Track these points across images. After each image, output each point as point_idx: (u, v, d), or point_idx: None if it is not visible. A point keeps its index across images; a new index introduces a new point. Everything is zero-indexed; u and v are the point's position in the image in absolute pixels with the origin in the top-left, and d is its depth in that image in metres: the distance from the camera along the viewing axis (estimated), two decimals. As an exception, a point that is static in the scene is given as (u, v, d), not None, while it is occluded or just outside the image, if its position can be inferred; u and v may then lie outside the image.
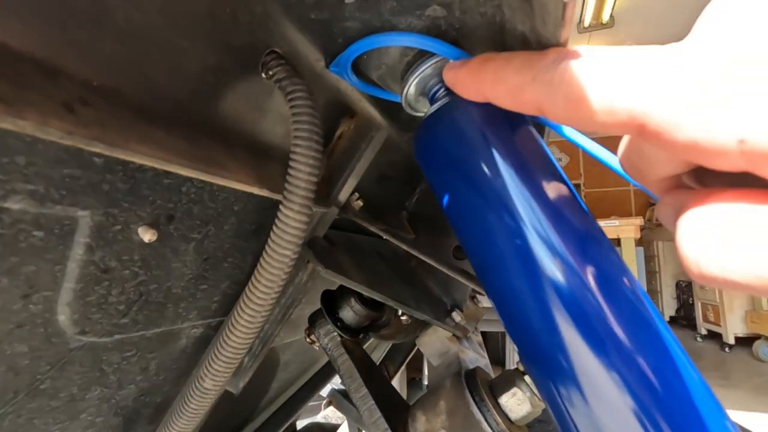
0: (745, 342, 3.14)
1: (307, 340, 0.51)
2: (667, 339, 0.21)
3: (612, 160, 0.21)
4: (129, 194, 0.24)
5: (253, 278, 0.28)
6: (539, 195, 0.23)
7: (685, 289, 4.06)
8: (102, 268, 0.25)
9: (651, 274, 4.47)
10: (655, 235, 4.42)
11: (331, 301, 0.49)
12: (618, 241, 3.40)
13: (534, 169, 0.24)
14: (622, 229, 3.38)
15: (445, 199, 0.26)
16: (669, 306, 4.31)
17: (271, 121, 0.30)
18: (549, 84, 0.17)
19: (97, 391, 0.32)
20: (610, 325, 0.21)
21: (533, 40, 0.22)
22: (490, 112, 0.26)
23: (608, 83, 0.15)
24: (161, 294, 0.31)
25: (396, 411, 0.47)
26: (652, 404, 0.20)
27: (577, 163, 5.81)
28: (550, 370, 0.22)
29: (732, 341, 3.21)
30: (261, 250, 0.38)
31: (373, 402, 0.45)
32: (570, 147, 5.81)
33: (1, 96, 0.14)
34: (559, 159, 5.91)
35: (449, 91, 0.28)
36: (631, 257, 3.31)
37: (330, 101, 0.34)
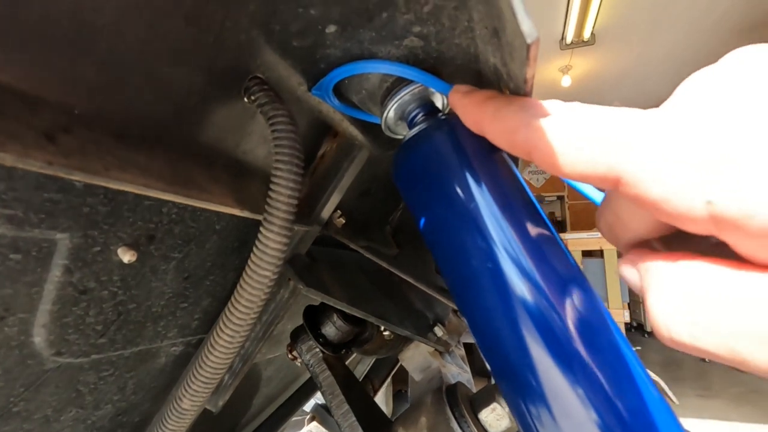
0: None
1: (289, 356, 0.51)
2: (629, 357, 0.22)
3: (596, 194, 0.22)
4: (109, 216, 0.24)
5: (233, 297, 0.28)
6: (511, 219, 0.24)
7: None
8: (80, 289, 0.25)
9: (633, 284, 4.54)
10: (637, 246, 4.49)
11: (314, 316, 0.49)
12: (601, 253, 3.46)
13: (507, 194, 0.25)
14: (604, 240, 3.45)
15: (422, 220, 0.27)
16: (651, 316, 4.37)
17: (253, 142, 0.30)
18: (539, 131, 0.18)
19: (72, 412, 0.31)
20: (576, 345, 0.22)
21: (504, 72, 0.23)
22: (467, 138, 0.27)
23: (591, 137, 0.16)
24: (140, 313, 0.31)
25: (378, 427, 0.47)
26: (616, 423, 0.21)
27: (561, 176, 5.91)
28: (520, 388, 0.23)
29: (711, 351, 3.27)
30: (243, 267, 0.39)
31: (354, 419, 0.45)
32: (554, 159, 5.91)
33: (-19, 129, 0.14)
34: (542, 172, 6.02)
35: (427, 117, 0.29)
36: (614, 268, 3.36)
37: (312, 122, 0.35)
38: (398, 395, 1.38)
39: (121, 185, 0.19)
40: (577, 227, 5.26)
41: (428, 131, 0.28)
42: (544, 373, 0.22)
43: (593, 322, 0.23)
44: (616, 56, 3.33)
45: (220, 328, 0.28)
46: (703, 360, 3.31)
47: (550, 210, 6.09)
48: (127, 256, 0.26)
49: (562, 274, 0.23)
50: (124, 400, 0.36)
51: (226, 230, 0.34)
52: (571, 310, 0.23)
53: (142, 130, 0.22)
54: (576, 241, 3.50)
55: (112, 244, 0.25)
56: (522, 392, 0.23)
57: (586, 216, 5.64)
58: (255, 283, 0.26)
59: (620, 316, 3.26)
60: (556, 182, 5.90)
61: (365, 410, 0.47)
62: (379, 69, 0.28)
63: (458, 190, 0.25)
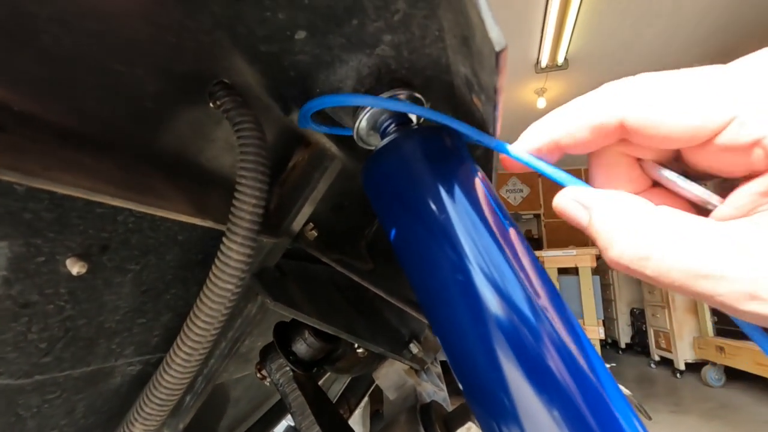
0: (695, 368, 3.28)
1: (258, 375, 0.49)
2: (603, 375, 0.22)
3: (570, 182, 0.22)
4: (55, 223, 0.22)
5: (192, 312, 0.26)
6: (482, 232, 0.24)
7: (638, 316, 4.23)
8: (21, 303, 0.23)
9: (607, 302, 4.64)
10: (610, 264, 4.61)
11: (284, 333, 0.47)
12: (576, 270, 3.52)
13: (478, 207, 0.25)
14: (579, 258, 3.51)
15: (392, 231, 0.26)
16: (625, 333, 4.46)
17: (218, 149, 0.29)
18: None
19: (10, 439, 0.28)
20: (549, 363, 0.22)
21: (475, 82, 0.23)
22: (438, 148, 0.27)
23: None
24: (91, 329, 0.28)
25: (349, 449, 0.45)
26: None
27: (537, 195, 6.05)
28: (492, 408, 0.22)
29: (683, 367, 3.34)
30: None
31: (324, 441, 0.43)
32: (530, 179, 6.06)
33: None
34: (520, 190, 6.15)
35: (399, 127, 0.29)
36: (588, 285, 3.42)
37: (283, 131, 0.34)
38: (376, 415, 1.35)
39: (63, 188, 0.17)
40: (553, 245, 5.36)
41: (399, 141, 0.27)
42: (516, 392, 0.22)
43: (566, 340, 0.22)
44: (588, 81, 3.47)
45: (178, 346, 0.26)
46: (675, 376, 3.37)
47: (527, 228, 6.20)
48: (76, 268, 0.24)
49: (534, 289, 0.23)
50: (73, 425, 0.33)
51: (189, 241, 0.32)
52: (543, 326, 0.22)
53: (92, 131, 0.20)
54: (552, 258, 3.56)
55: (59, 254, 0.23)
56: (494, 412, 0.22)
57: (562, 234, 5.75)
58: (216, 297, 0.25)
59: (595, 332, 3.30)
60: (533, 201, 6.02)
61: (337, 431, 0.46)
62: (362, 103, 0.27)
63: (429, 201, 0.25)
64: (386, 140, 0.28)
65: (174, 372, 0.27)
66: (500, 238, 0.24)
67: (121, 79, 0.20)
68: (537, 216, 6.10)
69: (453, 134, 0.27)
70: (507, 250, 0.24)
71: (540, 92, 3.62)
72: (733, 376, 3.03)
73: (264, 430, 0.74)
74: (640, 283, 4.13)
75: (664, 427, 2.29)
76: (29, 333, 0.25)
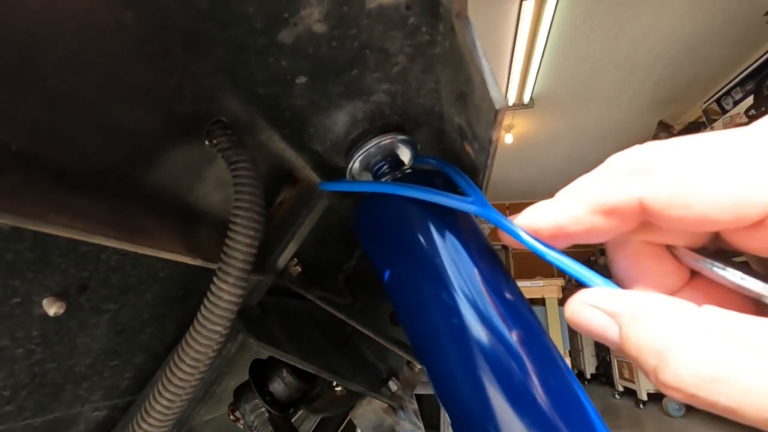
0: (656, 398, 3.37)
1: (231, 417, 0.46)
2: (592, 415, 0.22)
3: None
4: (36, 263, 0.21)
5: (176, 354, 0.25)
6: (474, 275, 0.24)
7: (602, 347, 4.33)
8: (-12, 348, 0.21)
9: (573, 332, 4.73)
10: (575, 295, 4.74)
11: (261, 373, 0.46)
12: (543, 301, 3.59)
13: (472, 251, 0.25)
14: (546, 289, 3.60)
15: (386, 273, 0.26)
16: (590, 363, 4.54)
17: (209, 187, 0.29)
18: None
19: (-44, 499, 0.26)
20: (539, 401, 0.22)
21: (469, 132, 0.24)
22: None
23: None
24: (59, 374, 0.27)
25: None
26: None
27: (505, 226, 6.21)
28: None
29: (645, 398, 3.42)
30: (184, 319, 0.35)
31: (301, 488, 0.41)
32: (499, 210, 6.23)
33: None
34: (485, 221, 6.30)
35: (392, 170, 0.30)
36: (555, 316, 3.49)
37: (273, 167, 0.34)
38: (344, 454, 1.29)
39: (58, 230, 0.17)
40: (521, 276, 5.47)
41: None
42: (506, 429, 0.22)
43: (555, 379, 0.23)
44: (551, 121, 3.67)
45: (159, 391, 0.25)
46: (638, 406, 3.44)
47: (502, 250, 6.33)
48: (53, 308, 0.23)
49: (526, 332, 0.23)
50: (27, 480, 0.30)
51: (171, 279, 0.31)
52: (533, 366, 0.23)
53: (86, 172, 0.20)
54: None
55: (35, 295, 0.22)
56: None
57: (530, 264, 5.90)
58: (204, 339, 0.24)
59: (562, 363, 3.35)
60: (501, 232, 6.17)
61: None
62: (427, 198, 0.25)
63: (422, 244, 0.25)
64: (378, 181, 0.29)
65: (154, 419, 0.25)
66: (491, 281, 0.25)
67: (120, 121, 0.20)
68: (505, 247, 6.24)
69: (444, 178, 0.28)
70: (498, 293, 0.24)
71: (507, 128, 3.79)
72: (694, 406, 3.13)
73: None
74: (603, 314, 4.24)
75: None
76: (-7, 380, 0.23)
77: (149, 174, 0.24)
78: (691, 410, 3.16)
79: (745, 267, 0.15)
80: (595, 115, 3.55)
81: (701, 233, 0.16)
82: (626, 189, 0.15)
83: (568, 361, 3.38)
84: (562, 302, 3.69)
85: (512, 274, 5.91)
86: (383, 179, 0.28)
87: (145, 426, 0.25)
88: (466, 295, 0.24)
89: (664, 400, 3.23)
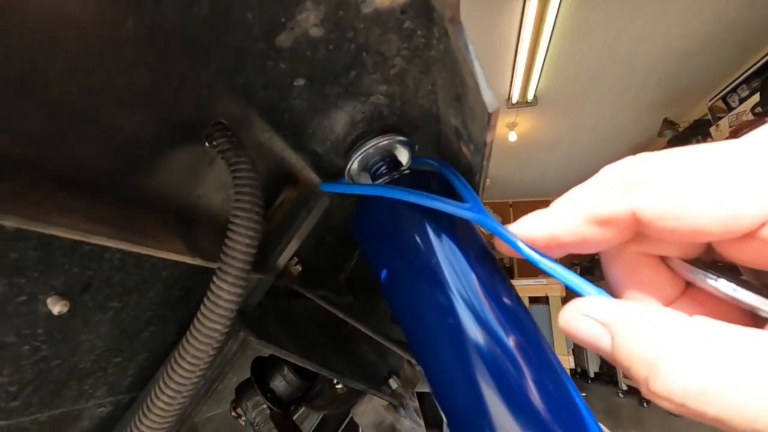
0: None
1: (233, 413, 0.47)
2: (585, 414, 0.23)
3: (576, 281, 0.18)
4: (40, 263, 0.22)
5: (177, 352, 0.26)
6: (470, 276, 0.24)
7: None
8: (-6, 345, 0.22)
9: (576, 331, 4.72)
10: (578, 294, 4.73)
11: (262, 370, 0.46)
12: (546, 299, 3.59)
13: (468, 253, 0.26)
14: (549, 287, 3.59)
15: (382, 273, 0.27)
16: (594, 362, 4.53)
17: (209, 188, 0.29)
18: None
19: (-36, 492, 0.26)
20: (534, 402, 0.22)
21: (465, 134, 0.25)
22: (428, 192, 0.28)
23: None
24: (64, 371, 0.27)
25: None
26: None
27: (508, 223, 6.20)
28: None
29: (648, 397, 3.41)
30: (186, 318, 0.36)
31: (301, 485, 0.42)
32: (502, 208, 6.22)
33: None
34: (492, 219, 6.28)
35: (390, 170, 0.30)
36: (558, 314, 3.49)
37: (273, 169, 0.35)
38: (346, 452, 1.30)
39: (62, 232, 0.17)
40: (524, 274, 5.46)
41: (391, 185, 0.28)
42: (501, 429, 0.22)
43: (551, 381, 0.23)
44: (554, 120, 3.66)
45: (160, 387, 0.25)
46: (642, 405, 3.43)
47: (499, 257, 6.30)
48: (57, 307, 0.23)
49: (520, 332, 0.24)
50: (33, 474, 0.31)
51: (172, 278, 0.32)
52: (529, 367, 0.23)
53: (88, 176, 0.20)
54: (523, 287, 3.62)
55: (40, 294, 0.23)
56: None
57: (532, 267, 5.87)
58: (204, 337, 0.25)
59: (565, 361, 3.35)
60: (504, 230, 6.16)
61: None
62: (437, 206, 0.24)
63: (419, 245, 0.26)
64: (379, 183, 0.29)
65: (155, 415, 0.26)
66: (487, 283, 0.25)
67: (120, 126, 0.20)
68: (508, 246, 6.21)
69: (441, 179, 0.28)
70: (493, 294, 0.25)
71: (511, 126, 3.78)
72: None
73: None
74: (606, 313, 4.23)
75: (632, 459, 2.30)
76: (0, 376, 0.23)
77: (150, 177, 0.24)
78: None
79: (738, 278, 0.15)
80: (597, 114, 3.54)
81: (695, 244, 0.16)
82: (619, 201, 0.15)
83: (571, 360, 3.38)
84: (565, 300, 3.68)
85: (516, 272, 5.90)
86: (381, 180, 0.29)
87: (147, 422, 0.26)
88: (461, 296, 0.24)
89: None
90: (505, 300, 0.25)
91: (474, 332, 0.23)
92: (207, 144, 0.26)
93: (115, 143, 0.21)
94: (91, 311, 0.26)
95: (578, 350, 4.63)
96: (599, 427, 0.23)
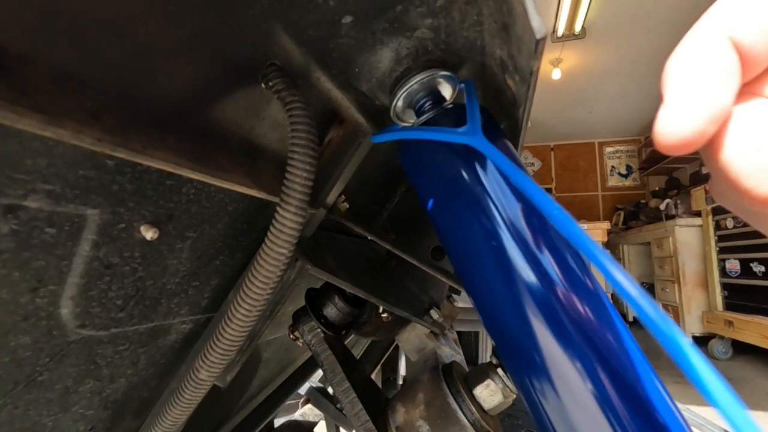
0: (702, 341, 3.32)
1: (291, 336, 0.52)
2: (624, 335, 0.25)
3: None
4: (135, 194, 0.25)
5: (249, 274, 0.29)
6: (512, 202, 0.26)
7: (648, 290, 4.26)
8: (105, 264, 0.26)
9: (616, 276, 4.65)
10: (621, 239, 4.62)
11: (315, 298, 0.51)
12: (586, 245, 3.52)
13: (508, 178, 0.27)
14: (590, 232, 3.51)
15: (429, 203, 0.29)
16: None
17: (267, 126, 0.31)
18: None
19: (90, 383, 0.32)
20: (577, 321, 0.24)
21: (510, 64, 0.25)
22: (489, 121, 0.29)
23: None
24: (156, 290, 0.32)
25: (376, 403, 0.49)
26: (614, 394, 0.23)
27: (549, 169, 5.99)
28: (525, 364, 0.25)
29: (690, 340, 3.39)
30: (249, 249, 0.40)
31: (354, 395, 0.47)
32: (542, 153, 5.99)
33: (41, 107, 0.15)
34: (531, 164, 6.09)
35: (434, 105, 0.31)
36: (598, 260, 3.43)
37: (321, 108, 0.36)
38: (387, 383, 1.41)
39: (158, 164, 0.20)
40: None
41: (436, 120, 0.29)
42: (547, 349, 0.24)
43: (592, 301, 0.25)
44: (603, 52, 3.38)
45: (235, 307, 0.30)
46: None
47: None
48: (149, 234, 0.27)
49: (559, 253, 0.25)
50: (137, 375, 0.37)
51: (237, 212, 0.35)
52: (567, 287, 0.25)
53: (169, 113, 0.23)
54: (562, 233, 3.56)
55: (135, 221, 0.26)
56: (526, 369, 0.25)
57: (574, 209, 5.73)
58: (272, 260, 0.28)
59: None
60: (545, 175, 5.98)
61: (364, 388, 0.50)
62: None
63: (464, 175, 0.27)
64: (423, 118, 0.30)
65: (235, 326, 0.30)
66: (529, 209, 0.26)
67: (193, 66, 0.22)
68: (548, 190, 6.06)
69: (485, 113, 0.29)
70: (535, 220, 0.26)
71: (555, 63, 3.54)
72: (741, 349, 3.07)
73: (289, 390, 0.79)
74: (650, 258, 4.13)
75: (668, 397, 2.34)
76: (110, 291, 0.28)
77: (219, 115, 0.27)
78: (737, 353, 3.11)
79: None
80: (650, 49, 3.22)
81: None
82: None
83: (609, 303, 3.37)
84: (607, 246, 3.61)
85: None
86: (424, 116, 0.30)
87: (229, 330, 0.30)
88: (504, 221, 0.26)
89: (711, 343, 3.19)
90: (547, 226, 0.26)
91: (515, 254, 0.25)
92: (263, 85, 0.28)
93: (189, 81, 0.23)
94: (175, 239, 0.30)
95: (616, 295, 4.59)
96: (645, 360, 0.25)
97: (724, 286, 3.18)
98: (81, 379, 0.31)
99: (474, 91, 0.28)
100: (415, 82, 0.31)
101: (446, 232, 0.28)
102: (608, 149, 5.83)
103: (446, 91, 0.32)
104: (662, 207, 3.92)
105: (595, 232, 3.50)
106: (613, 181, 5.79)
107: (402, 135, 0.29)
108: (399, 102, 0.32)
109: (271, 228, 0.28)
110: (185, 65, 0.23)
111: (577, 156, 5.92)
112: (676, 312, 3.55)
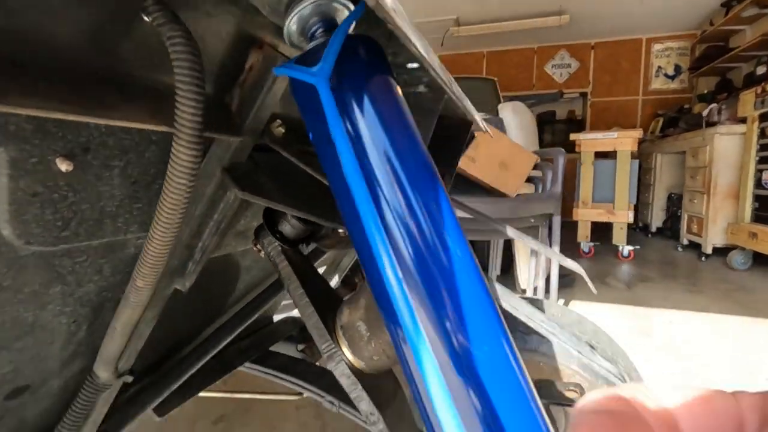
0: (722, 252, 3.30)
1: (255, 248, 0.58)
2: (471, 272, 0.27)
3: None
4: (37, 132, 0.28)
5: (160, 201, 0.33)
6: (387, 144, 0.27)
7: (675, 201, 4.14)
8: (30, 193, 0.30)
9: (645, 186, 4.52)
10: (656, 147, 4.38)
11: (271, 216, 0.55)
12: (614, 154, 3.38)
13: (387, 119, 0.28)
14: (619, 141, 3.34)
15: (310, 135, 0.30)
16: (657, 218, 4.43)
17: (168, 62, 0.32)
18: None
19: (58, 287, 0.39)
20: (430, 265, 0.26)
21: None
22: (359, 57, 0.29)
23: None
24: (96, 212, 0.36)
25: (331, 307, 0.56)
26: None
27: (587, 71, 5.52)
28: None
29: (709, 251, 3.37)
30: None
31: (307, 299, 0.53)
32: (581, 52, 5.47)
33: None
34: (567, 65, 5.61)
35: (324, 32, 0.31)
36: (625, 170, 3.32)
37: (235, 34, 0.36)
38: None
39: (20, 110, 0.23)
40: (596, 127, 5.07)
41: (321, 47, 0.30)
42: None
43: (441, 242, 0.27)
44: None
45: (153, 226, 0.34)
46: (700, 259, 3.42)
47: (571, 108, 5.81)
48: (64, 166, 0.31)
49: (422, 197, 0.27)
50: (104, 281, 0.44)
51: (164, 141, 0.38)
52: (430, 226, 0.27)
53: (40, 59, 0.25)
54: (590, 142, 3.41)
55: (48, 155, 0.30)
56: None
57: (609, 115, 5.38)
58: (174, 190, 0.31)
59: (624, 216, 3.32)
60: (581, 78, 5.53)
61: (319, 294, 0.56)
62: None
63: (345, 108, 0.28)
64: (312, 44, 0.30)
65: (154, 246, 0.35)
66: (403, 154, 0.28)
67: (59, 8, 0.24)
68: (583, 95, 5.65)
69: (365, 45, 0.29)
70: (408, 164, 0.28)
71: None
72: (761, 261, 3.04)
73: (279, 290, 0.89)
74: (682, 168, 3.94)
75: (672, 303, 2.42)
76: (44, 215, 0.32)
77: (112, 57, 0.28)
78: (756, 265, 3.08)
79: None
80: None
81: None
82: None
83: (630, 214, 3.33)
84: (635, 155, 3.45)
85: (588, 124, 5.47)
86: (311, 44, 0.30)
87: (147, 256, 0.35)
88: (379, 166, 0.27)
89: (730, 254, 3.17)
90: (414, 170, 0.28)
91: (385, 196, 0.27)
92: (146, 18, 0.29)
93: (57, 24, 0.24)
94: (99, 168, 0.34)
95: (642, 206, 4.50)
96: (483, 279, 0.27)
97: (756, 198, 3.05)
98: (47, 284, 0.38)
99: (350, 22, 0.28)
100: (306, 5, 0.30)
101: (325, 166, 0.30)
102: (657, 46, 5.24)
103: (341, 17, 0.32)
104: (705, 113, 3.62)
105: (625, 141, 3.33)
106: (658, 83, 5.30)
107: (278, 70, 0.29)
108: (292, 26, 0.31)
109: (170, 161, 0.31)
110: (50, 8, 0.24)
111: (620, 55, 5.37)
112: (701, 223, 3.48)
